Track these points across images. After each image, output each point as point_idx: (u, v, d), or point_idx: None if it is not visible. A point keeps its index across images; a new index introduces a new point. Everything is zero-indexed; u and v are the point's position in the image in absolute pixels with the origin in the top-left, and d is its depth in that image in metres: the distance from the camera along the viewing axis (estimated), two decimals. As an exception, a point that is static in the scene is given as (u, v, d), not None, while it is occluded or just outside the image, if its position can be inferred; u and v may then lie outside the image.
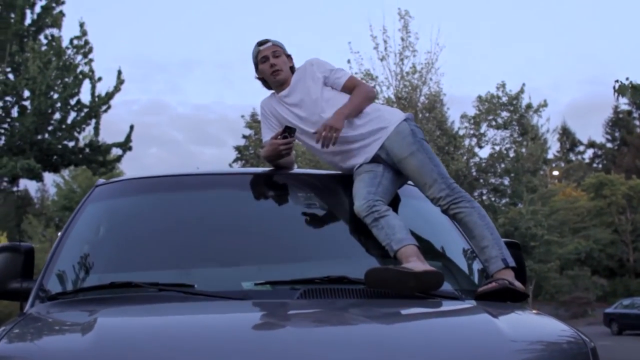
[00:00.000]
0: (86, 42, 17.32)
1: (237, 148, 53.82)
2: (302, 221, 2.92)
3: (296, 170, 3.32)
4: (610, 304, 30.10)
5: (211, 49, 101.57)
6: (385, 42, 21.21)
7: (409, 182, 3.19)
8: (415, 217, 3.10)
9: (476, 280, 2.90)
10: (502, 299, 2.64)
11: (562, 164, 51.06)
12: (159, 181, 3.18)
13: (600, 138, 57.42)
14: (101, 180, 3.19)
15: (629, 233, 39.97)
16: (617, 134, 55.74)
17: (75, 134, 17.52)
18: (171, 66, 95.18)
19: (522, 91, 23.22)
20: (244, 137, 54.95)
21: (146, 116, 71.78)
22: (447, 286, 2.60)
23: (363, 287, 2.47)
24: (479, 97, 22.63)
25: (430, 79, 21.09)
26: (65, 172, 33.74)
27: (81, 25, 17.28)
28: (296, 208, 3.01)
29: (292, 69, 3.26)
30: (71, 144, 17.56)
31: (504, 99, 23.31)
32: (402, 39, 21.21)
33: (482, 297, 2.64)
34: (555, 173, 44.30)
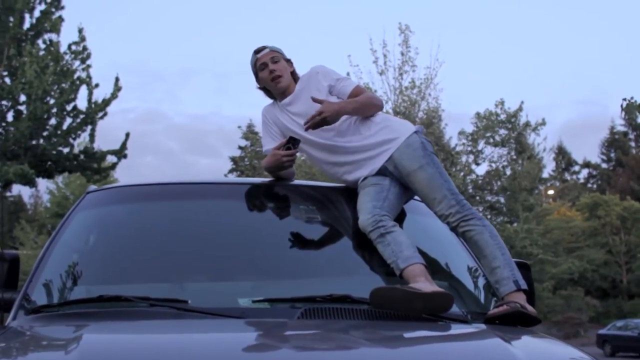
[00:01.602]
0: (84, 48, 17.24)
1: (233, 159, 53.73)
2: (303, 235, 2.78)
3: (297, 182, 3.18)
4: (603, 325, 29.96)
5: (209, 59, 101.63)
6: (385, 56, 21.17)
7: (415, 197, 3.06)
8: (420, 234, 2.96)
9: (483, 302, 2.76)
10: (513, 323, 2.51)
11: (557, 183, 51.03)
12: (152, 189, 3.04)
13: (595, 158, 57.56)
14: (93, 187, 3.05)
15: (622, 254, 39.87)
16: (612, 155, 55.81)
17: (71, 140, 17.39)
18: (169, 75, 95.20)
19: (520, 109, 23.20)
20: (240, 148, 54.92)
21: (142, 125, 71.68)
22: (454, 308, 2.46)
23: (367, 307, 2.33)
24: (477, 113, 22.57)
25: (429, 95, 21.05)
26: (59, 179, 33.53)
27: (80, 30, 17.20)
28: (296, 221, 2.86)
29: (294, 74, 3.13)
30: (66, 150, 17.43)
31: (502, 117, 23.28)
32: (402, 54, 21.18)
33: (491, 320, 2.51)
34: (551, 192, 44.27)
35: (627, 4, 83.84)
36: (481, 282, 2.82)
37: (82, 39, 17.29)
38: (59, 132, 17.06)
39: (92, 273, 2.58)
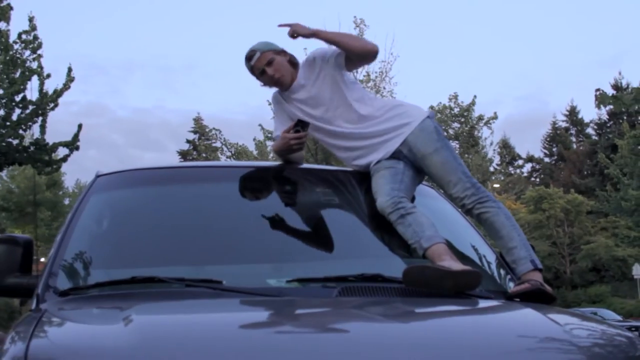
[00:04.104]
0: (35, 37, 16.72)
1: (181, 152, 53.08)
2: (322, 217, 2.80)
3: (313, 165, 3.18)
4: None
5: (153, 53, 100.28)
6: (339, 49, 21.18)
7: (424, 182, 3.10)
8: (432, 217, 3.01)
9: (499, 281, 2.83)
10: (532, 300, 2.58)
11: (502, 177, 52.15)
12: (164, 172, 3.01)
13: (538, 153, 59.03)
14: (102, 171, 2.99)
15: (566, 246, 41.07)
16: (554, 149, 57.33)
17: (21, 131, 16.88)
18: (111, 68, 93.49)
19: (473, 103, 23.61)
20: (188, 141, 54.30)
21: (85, 118, 70.13)
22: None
23: (398, 285, 2.37)
24: (431, 107, 22.86)
25: (384, 88, 21.13)
26: (3, 172, 32.53)
27: (30, 19, 16.69)
28: (315, 203, 2.87)
29: (292, 62, 3.07)
30: (15, 142, 16.91)
31: (456, 110, 23.61)
32: (357, 48, 21.22)
33: (511, 298, 2.58)
34: (496, 186, 45.20)
35: (562, 5, 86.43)
36: (495, 262, 2.89)
37: (33, 27, 16.81)
38: (7, 123, 16.55)
39: (116, 256, 2.54)
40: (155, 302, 2.12)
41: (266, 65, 2.97)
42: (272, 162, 3.19)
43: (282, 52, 3.05)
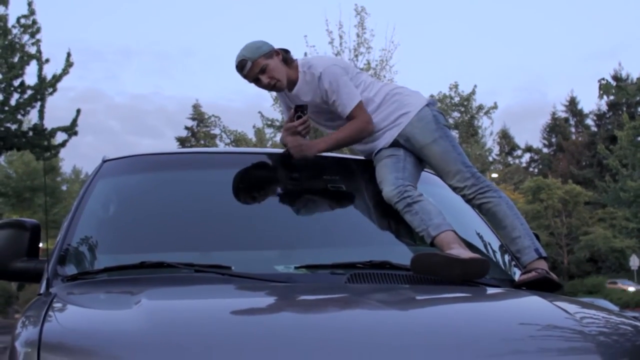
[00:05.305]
0: (34, 22, 16.66)
1: (179, 139, 52.96)
2: (330, 204, 2.80)
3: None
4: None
5: (150, 39, 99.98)
6: (340, 37, 21.11)
7: (428, 170, 3.09)
8: (439, 205, 3.01)
9: (505, 269, 2.83)
10: (539, 288, 2.58)
11: (501, 167, 52.17)
12: (172, 158, 3.00)
13: (537, 143, 59.03)
14: (108, 156, 2.98)
15: (563, 236, 41.15)
16: (553, 140, 57.32)
17: (19, 116, 16.84)
18: (109, 54, 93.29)
19: (473, 92, 23.61)
20: (187, 128, 54.18)
21: (82, 104, 70.20)
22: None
23: (407, 272, 2.37)
24: (431, 96, 22.84)
25: (384, 77, 21.05)
26: (1, 157, 32.46)
27: (29, 3, 16.60)
28: (323, 190, 2.86)
29: (286, 60, 2.92)
30: (14, 127, 16.87)
31: (456, 100, 23.61)
32: (358, 35, 21.16)
33: (518, 286, 2.58)
34: (495, 176, 45.25)
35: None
36: (501, 250, 2.89)
37: (32, 12, 16.72)
38: (6, 108, 16.50)
39: (123, 241, 2.54)
40: (165, 287, 2.12)
41: (259, 73, 2.85)
42: (279, 149, 3.18)
43: (274, 53, 2.89)
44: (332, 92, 2.85)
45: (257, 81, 2.89)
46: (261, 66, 2.84)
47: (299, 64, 2.95)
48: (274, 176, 2.93)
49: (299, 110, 2.86)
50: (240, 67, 2.87)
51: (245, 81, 2.91)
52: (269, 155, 3.14)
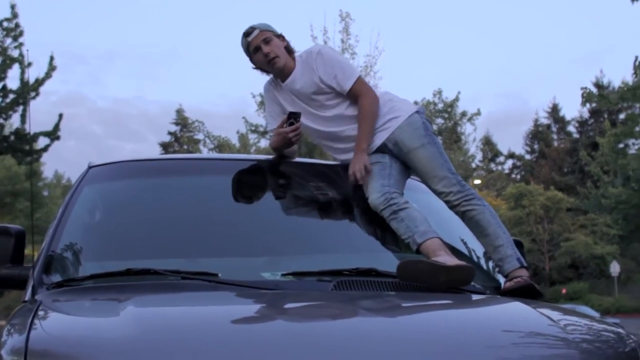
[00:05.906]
0: (17, 25, 16.55)
1: (162, 144, 52.77)
2: (317, 211, 2.81)
3: (305, 160, 3.18)
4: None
5: (134, 42, 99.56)
6: (325, 42, 21.15)
7: (413, 177, 3.11)
8: (424, 212, 3.02)
9: (490, 276, 2.85)
10: (522, 295, 2.61)
11: (483, 174, 52.48)
12: (158, 164, 2.99)
13: (519, 149, 59.41)
14: (94, 162, 2.97)
15: (545, 242, 41.47)
16: (536, 147, 57.75)
17: (1, 120, 16.70)
18: (91, 58, 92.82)
19: (457, 99, 23.77)
20: (170, 133, 54.01)
21: (64, 108, 69.60)
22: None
23: (393, 279, 2.38)
24: (415, 102, 22.91)
25: (369, 82, 21.19)
26: (-18, 162, 32.11)
27: (12, 7, 16.49)
28: (310, 197, 2.87)
29: (288, 49, 3.03)
30: (-5, 131, 16.73)
31: (440, 106, 23.76)
32: (342, 41, 21.28)
33: (503, 294, 2.61)
34: (477, 182, 45.51)
35: (541, 3, 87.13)
36: (485, 257, 2.91)
37: (15, 15, 16.59)
38: (-13, 112, 16.36)
39: (109, 248, 2.53)
40: (152, 294, 2.11)
41: (263, 42, 2.95)
42: (266, 155, 3.19)
43: (281, 37, 3.03)
44: (332, 67, 2.92)
45: (257, 50, 2.96)
46: (267, 37, 2.96)
47: (295, 56, 3.03)
48: (260, 183, 2.93)
49: (292, 117, 2.89)
50: (247, 33, 2.99)
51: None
52: (256, 161, 3.15)
